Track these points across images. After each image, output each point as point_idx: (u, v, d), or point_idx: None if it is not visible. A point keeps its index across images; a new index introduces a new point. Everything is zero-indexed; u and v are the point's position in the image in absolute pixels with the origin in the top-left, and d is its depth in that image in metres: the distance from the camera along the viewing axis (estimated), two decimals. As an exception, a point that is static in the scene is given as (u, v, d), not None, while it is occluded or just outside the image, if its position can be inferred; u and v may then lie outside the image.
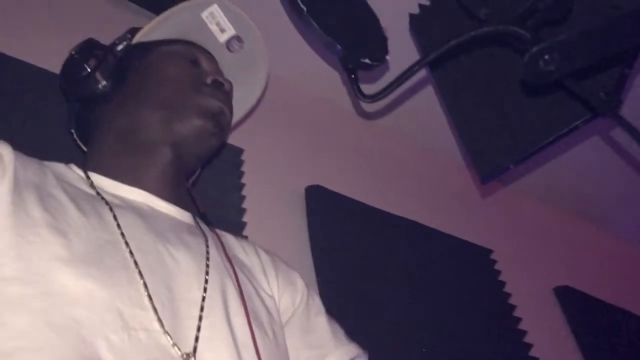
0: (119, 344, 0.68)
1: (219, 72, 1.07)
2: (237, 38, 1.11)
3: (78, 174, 0.89)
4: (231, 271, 0.88)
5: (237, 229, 1.30)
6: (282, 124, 1.60)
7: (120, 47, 1.02)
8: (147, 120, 0.94)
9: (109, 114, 0.97)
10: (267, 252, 1.04)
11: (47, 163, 0.87)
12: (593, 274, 1.99)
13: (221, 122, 0.97)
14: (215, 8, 1.08)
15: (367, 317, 1.37)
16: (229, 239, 1.01)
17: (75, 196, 0.81)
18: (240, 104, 1.15)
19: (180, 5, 1.07)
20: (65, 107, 1.06)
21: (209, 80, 1.00)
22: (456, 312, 1.56)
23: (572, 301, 1.85)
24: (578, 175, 1.99)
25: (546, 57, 0.52)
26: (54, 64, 1.14)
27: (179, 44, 1.05)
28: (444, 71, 0.82)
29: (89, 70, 0.96)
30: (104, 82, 0.96)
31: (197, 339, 0.75)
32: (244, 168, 1.42)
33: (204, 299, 0.80)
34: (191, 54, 1.04)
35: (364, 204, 1.56)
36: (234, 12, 1.10)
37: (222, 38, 1.10)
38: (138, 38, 1.05)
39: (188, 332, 0.75)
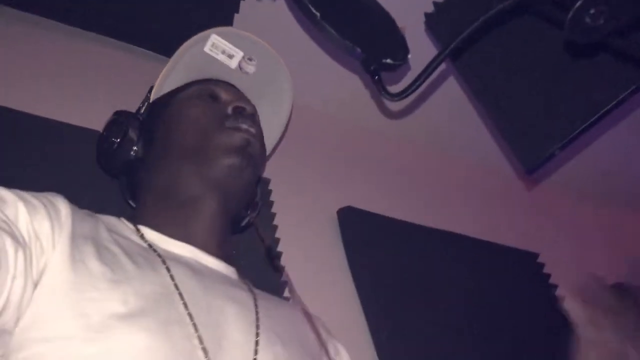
0: None
1: (239, 97, 1.05)
2: (247, 57, 1.10)
3: (129, 227, 0.90)
4: (281, 328, 0.87)
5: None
6: (306, 149, 1.58)
7: (142, 109, 1.05)
8: (182, 174, 0.94)
9: (148, 176, 0.98)
10: (313, 317, 1.01)
11: (99, 215, 0.88)
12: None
13: (250, 153, 0.95)
14: (214, 38, 1.07)
15: (415, 335, 1.33)
16: (271, 300, 0.98)
17: (128, 249, 0.81)
18: (276, 119, 1.16)
19: (181, 49, 1.06)
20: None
21: (229, 110, 0.98)
22: (507, 322, 1.50)
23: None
24: (621, 160, 1.90)
25: (592, 11, 0.47)
26: (76, 119, 1.18)
27: (194, 85, 1.05)
28: (468, 61, 0.78)
29: (118, 140, 0.98)
30: (134, 148, 0.99)
31: None
32: (273, 197, 1.39)
33: (255, 356, 0.79)
34: (208, 90, 1.03)
35: (397, 220, 1.53)
36: (232, 34, 1.09)
37: (233, 64, 1.09)
38: (154, 94, 1.05)
39: None
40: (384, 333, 1.29)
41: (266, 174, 1.42)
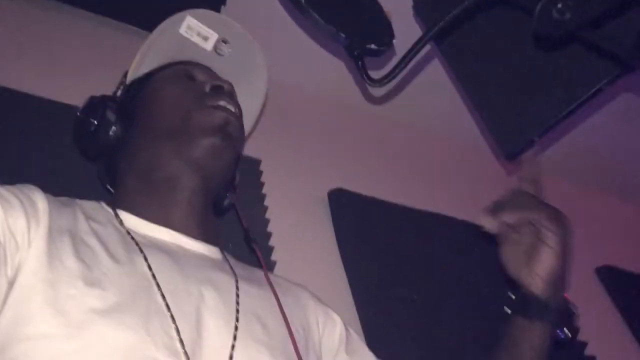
0: None
1: (215, 77, 1.05)
2: (222, 40, 1.10)
3: (108, 212, 0.90)
4: (263, 311, 0.87)
5: (262, 240, 1.28)
6: (297, 130, 1.59)
7: (119, 92, 1.04)
8: (162, 153, 0.94)
9: (126, 157, 0.98)
10: (302, 287, 1.03)
11: (78, 201, 0.88)
12: (634, 251, 1.93)
13: (230, 132, 0.95)
14: (189, 20, 1.07)
15: (402, 316, 1.35)
16: (257, 274, 0.98)
17: (106, 239, 0.82)
18: (252, 100, 1.15)
19: (156, 31, 1.06)
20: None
21: (207, 88, 0.98)
22: (496, 302, 1.52)
23: (615, 281, 1.79)
24: (603, 147, 1.92)
25: (559, 5, 0.48)
26: (59, 95, 1.18)
27: (169, 67, 1.05)
28: (452, 44, 0.78)
29: (95, 122, 0.97)
30: (113, 129, 0.97)
31: None
32: (263, 179, 1.40)
33: (233, 347, 0.79)
34: (184, 71, 1.03)
35: (387, 202, 1.54)
36: (208, 16, 1.09)
37: (209, 46, 1.08)
38: (130, 76, 1.05)
39: None
40: (372, 313, 1.30)
41: (257, 155, 1.43)
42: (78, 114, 1.01)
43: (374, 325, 1.29)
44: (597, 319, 1.64)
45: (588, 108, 0.79)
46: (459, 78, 0.79)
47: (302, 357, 0.83)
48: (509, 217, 0.90)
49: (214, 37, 1.09)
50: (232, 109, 0.97)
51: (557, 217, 0.91)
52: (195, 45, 1.08)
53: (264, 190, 1.38)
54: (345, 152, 1.63)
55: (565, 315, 0.95)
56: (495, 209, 0.91)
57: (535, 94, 0.72)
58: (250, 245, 0.99)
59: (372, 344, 1.25)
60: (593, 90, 0.65)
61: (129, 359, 0.69)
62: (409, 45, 0.75)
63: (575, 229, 1.87)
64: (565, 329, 0.93)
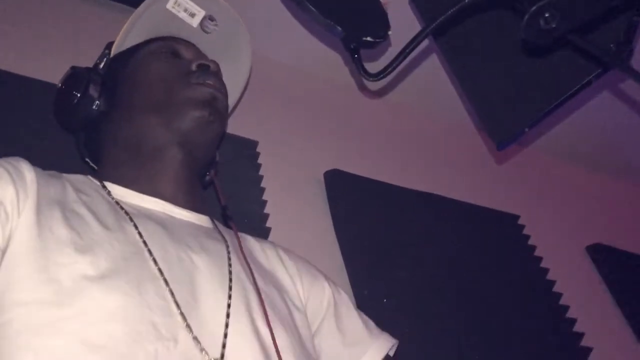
0: (153, 353, 0.69)
1: (201, 56, 1.05)
2: (209, 17, 1.10)
3: (96, 184, 0.90)
4: (250, 276, 0.88)
5: (259, 221, 1.30)
6: (293, 112, 1.60)
7: (102, 65, 1.03)
8: (147, 126, 0.94)
9: (111, 130, 0.98)
10: (289, 253, 1.04)
11: (65, 175, 0.88)
12: (624, 229, 1.96)
13: (217, 107, 0.96)
14: None
15: (399, 296, 1.37)
16: (249, 241, 1.01)
17: (96, 210, 0.82)
18: (236, 79, 1.16)
19: (143, 5, 1.06)
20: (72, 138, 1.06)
21: (193, 67, 0.98)
22: (488, 282, 1.55)
23: (606, 258, 1.82)
24: (593, 131, 1.94)
25: (546, 15, 0.50)
26: (41, 74, 1.17)
27: (155, 42, 1.04)
28: (449, 38, 0.80)
29: (79, 95, 0.97)
30: (96, 102, 0.98)
31: (224, 345, 0.75)
32: (261, 160, 1.41)
33: (229, 305, 0.80)
34: (169, 47, 1.03)
35: (383, 182, 1.55)
36: None
37: (195, 22, 1.08)
38: (115, 50, 1.05)
39: (215, 338, 0.76)
40: (366, 293, 1.33)
41: (254, 136, 1.44)
42: (59, 85, 1.00)
43: (368, 304, 1.31)
44: (587, 297, 1.68)
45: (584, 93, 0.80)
46: (453, 69, 0.81)
47: (288, 321, 0.85)
48: None
49: (200, 14, 1.09)
50: (218, 86, 0.98)
51: None
52: (181, 21, 1.08)
53: (261, 172, 1.39)
54: (341, 133, 1.64)
55: None
56: None
57: (526, 87, 0.74)
58: (227, 223, 0.99)
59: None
60: (579, 84, 0.67)
61: (124, 322, 0.69)
62: (404, 35, 0.77)
63: (566, 206, 1.93)
64: None
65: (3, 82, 1.16)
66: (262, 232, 1.29)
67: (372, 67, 0.75)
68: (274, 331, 0.80)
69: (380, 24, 0.77)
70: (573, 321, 1.57)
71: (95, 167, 1.03)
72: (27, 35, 1.28)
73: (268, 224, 1.31)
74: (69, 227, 0.75)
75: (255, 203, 1.34)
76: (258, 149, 1.43)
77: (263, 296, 0.85)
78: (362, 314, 1.04)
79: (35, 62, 1.22)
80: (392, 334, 1.07)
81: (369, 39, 0.74)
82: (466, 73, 0.79)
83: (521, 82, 0.75)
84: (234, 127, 1.34)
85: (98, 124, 0.99)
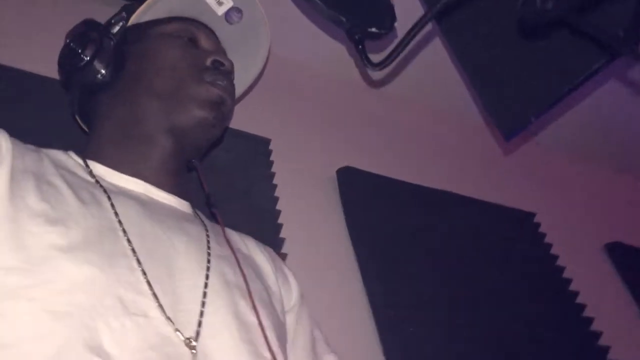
0: (119, 329, 0.68)
1: (219, 50, 1.03)
2: (235, 9, 1.08)
3: (77, 161, 0.89)
4: (232, 257, 0.87)
5: (272, 218, 1.30)
6: (306, 110, 1.60)
7: (116, 29, 0.99)
8: (147, 110, 0.93)
9: (109, 102, 0.96)
10: (265, 248, 1.04)
11: (45, 150, 0.86)
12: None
13: (222, 111, 0.95)
14: None
15: (413, 294, 1.36)
16: (228, 231, 0.99)
17: (73, 184, 0.81)
18: (246, 73, 1.15)
19: None
20: (65, 94, 1.04)
21: (209, 62, 0.96)
22: (504, 281, 1.53)
23: (624, 257, 1.79)
24: (611, 127, 1.91)
25: (543, -6, 0.49)
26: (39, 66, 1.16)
27: (175, 22, 1.02)
28: (453, 25, 0.79)
29: (87, 59, 0.94)
30: (102, 71, 0.94)
31: (199, 324, 0.75)
32: (273, 157, 1.42)
33: (206, 285, 0.79)
34: (189, 32, 1.01)
35: (397, 180, 1.55)
36: None
37: (220, 10, 1.06)
38: (134, 19, 1.01)
39: (190, 317, 0.75)
40: (380, 291, 1.32)
41: (266, 134, 1.44)
42: (69, 41, 0.97)
43: (382, 303, 1.31)
44: (605, 295, 1.66)
45: (597, 82, 0.79)
46: (458, 58, 0.80)
47: (266, 301, 0.85)
48: None
49: (228, 3, 1.06)
50: (228, 89, 0.97)
51: None
52: (207, 5, 1.05)
53: (273, 169, 1.40)
54: (354, 130, 1.64)
55: None
56: None
57: (533, 75, 0.73)
58: (211, 210, 0.98)
59: (380, 323, 1.28)
60: (588, 72, 0.65)
61: (90, 294, 0.68)
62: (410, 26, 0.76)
63: (583, 204, 1.90)
64: None
65: (2, 77, 1.15)
66: (274, 229, 1.29)
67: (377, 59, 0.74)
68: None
69: (386, 16, 0.77)
70: (590, 320, 1.55)
71: (83, 127, 1.01)
72: (29, 30, 1.27)
73: (280, 221, 1.31)
74: (42, 198, 0.74)
75: (268, 200, 1.34)
76: (271, 147, 1.43)
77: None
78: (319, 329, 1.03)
79: (36, 56, 1.20)
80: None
81: (374, 30, 0.73)
82: (471, 61, 0.78)
83: (528, 70, 0.73)
84: (246, 124, 1.35)
85: (97, 91, 0.96)
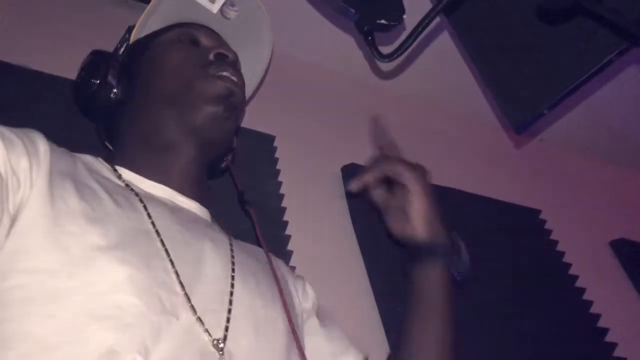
0: (157, 326, 0.69)
1: (221, 44, 1.04)
2: (229, 3, 1.08)
3: (107, 167, 0.91)
4: (253, 264, 0.90)
5: (276, 214, 1.30)
6: (311, 106, 1.59)
7: (122, 50, 1.03)
8: (163, 118, 0.94)
9: (128, 119, 0.98)
10: (278, 259, 1.05)
11: (77, 154, 0.88)
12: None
13: (233, 103, 0.95)
14: None
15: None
16: (242, 244, 1.00)
17: (107, 187, 0.82)
18: (256, 65, 1.16)
19: None
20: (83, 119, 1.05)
21: (211, 56, 0.97)
22: (509, 278, 1.53)
23: (630, 254, 1.79)
24: (618, 118, 1.90)
25: (563, -22, 0.48)
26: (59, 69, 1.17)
27: (174, 28, 1.03)
28: (461, 17, 0.78)
29: (97, 82, 0.97)
30: (114, 90, 0.97)
31: (227, 328, 0.76)
32: (278, 154, 1.41)
33: (231, 293, 0.81)
34: (189, 35, 1.02)
35: (401, 177, 1.53)
36: None
37: (215, 8, 1.06)
38: (135, 36, 1.04)
39: (219, 319, 0.77)
40: (386, 288, 1.31)
41: (271, 130, 1.43)
42: (80, 71, 1.00)
43: (387, 297, 1.30)
44: (611, 292, 1.65)
45: (602, 77, 0.78)
46: (468, 50, 0.79)
47: (290, 305, 0.87)
48: (367, 176, 1.02)
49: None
50: (235, 79, 0.97)
51: (411, 163, 1.03)
52: (201, 7, 1.07)
53: (278, 166, 1.39)
54: (359, 127, 1.62)
55: (455, 250, 1.05)
56: (359, 175, 1.03)
57: (544, 66, 0.72)
58: (244, 208, 1.00)
59: (386, 318, 1.28)
60: (602, 63, 0.64)
61: (132, 293, 0.70)
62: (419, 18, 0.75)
63: (589, 201, 1.89)
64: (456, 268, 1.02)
65: (20, 77, 1.16)
66: (278, 226, 1.28)
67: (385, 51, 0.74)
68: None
69: (395, 8, 0.76)
70: (597, 317, 1.54)
71: (112, 149, 1.03)
72: (43, 31, 1.28)
73: (285, 218, 1.31)
74: (82, 198, 0.76)
75: (273, 197, 1.33)
76: (275, 144, 1.43)
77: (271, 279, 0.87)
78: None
79: (51, 57, 1.22)
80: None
81: (383, 21, 0.73)
82: (481, 54, 0.77)
83: (540, 61, 0.72)
84: (251, 121, 1.34)
85: (116, 110, 0.99)
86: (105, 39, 1.14)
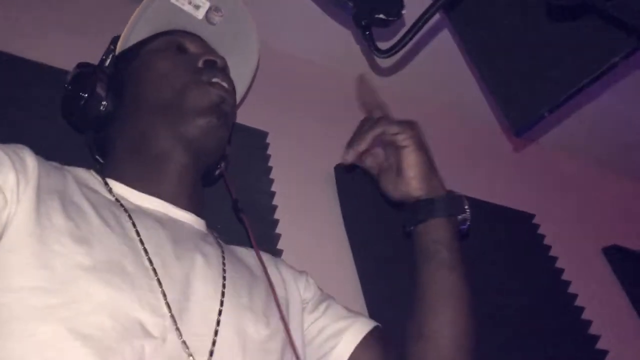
0: (140, 351, 0.68)
1: (208, 50, 1.03)
2: (214, 8, 1.08)
3: (98, 179, 0.89)
4: (246, 278, 0.89)
5: (268, 212, 1.28)
6: (305, 104, 1.57)
7: (108, 62, 1.01)
8: (153, 126, 0.92)
9: (118, 129, 0.96)
10: (273, 258, 1.04)
11: (68, 167, 0.87)
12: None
13: (224, 110, 0.94)
14: None
15: (406, 292, 1.34)
16: (236, 248, 1.00)
17: (95, 202, 0.81)
18: (245, 69, 1.15)
19: (146, 0, 1.03)
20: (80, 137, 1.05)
21: (200, 63, 0.96)
22: (502, 281, 1.52)
23: (622, 260, 1.78)
24: (612, 128, 1.90)
25: (574, -28, 0.46)
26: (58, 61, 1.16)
27: (160, 37, 1.02)
28: (462, 15, 0.76)
29: (86, 96, 0.95)
30: (103, 103, 0.96)
31: (211, 352, 0.75)
32: (270, 151, 1.39)
33: (220, 312, 0.80)
34: (175, 42, 1.01)
35: (395, 177, 1.52)
36: None
37: (200, 14, 1.06)
38: (120, 46, 1.03)
39: (204, 341, 0.75)
40: (376, 288, 1.30)
41: (263, 127, 1.41)
42: (66, 86, 0.99)
43: (377, 298, 1.29)
44: (603, 299, 1.64)
45: (600, 83, 0.77)
46: (468, 50, 0.77)
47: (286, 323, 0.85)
48: (361, 144, 0.97)
49: (205, 5, 1.07)
50: (226, 85, 0.96)
51: (401, 121, 0.97)
52: (187, 14, 1.06)
53: (270, 163, 1.37)
54: (353, 126, 1.61)
55: (458, 202, 1.00)
56: (349, 143, 0.99)
57: (546, 67, 0.70)
58: (238, 216, 0.99)
59: (375, 316, 1.26)
60: (607, 65, 0.62)
61: (111, 316, 0.69)
62: (419, 14, 0.73)
63: (583, 207, 1.88)
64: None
65: (14, 66, 1.14)
66: (270, 223, 1.27)
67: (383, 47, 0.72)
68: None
69: (394, 2, 0.74)
70: (588, 323, 1.53)
71: (102, 161, 1.02)
72: (39, 20, 1.26)
73: (276, 216, 1.29)
74: (68, 217, 0.75)
75: (264, 194, 1.31)
76: (268, 140, 1.40)
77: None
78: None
79: (44, 46, 1.20)
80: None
81: (381, 16, 0.71)
82: (481, 52, 0.75)
83: (542, 61, 0.70)
84: (244, 117, 1.32)
85: (106, 123, 0.97)
86: (102, 30, 1.13)
